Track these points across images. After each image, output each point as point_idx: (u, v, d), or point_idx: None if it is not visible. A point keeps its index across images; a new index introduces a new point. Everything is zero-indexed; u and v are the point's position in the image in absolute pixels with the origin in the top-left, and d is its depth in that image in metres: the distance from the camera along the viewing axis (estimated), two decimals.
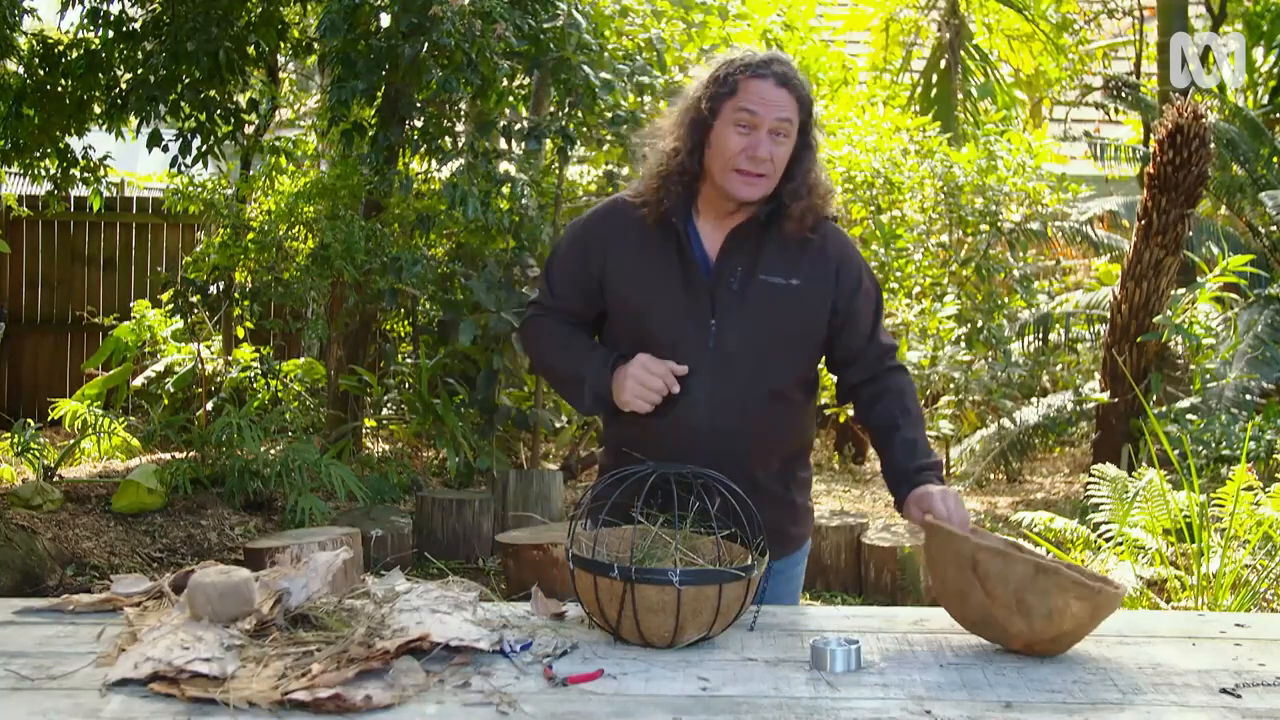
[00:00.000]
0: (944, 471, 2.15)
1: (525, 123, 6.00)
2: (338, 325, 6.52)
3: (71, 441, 6.94)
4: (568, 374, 2.21)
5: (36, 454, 6.07)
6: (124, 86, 6.50)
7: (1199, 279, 5.61)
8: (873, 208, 7.88)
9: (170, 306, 6.98)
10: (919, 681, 1.72)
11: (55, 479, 6.04)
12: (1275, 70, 9.70)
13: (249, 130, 7.20)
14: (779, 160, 2.08)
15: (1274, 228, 6.96)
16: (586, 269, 2.19)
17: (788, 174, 2.11)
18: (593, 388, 2.13)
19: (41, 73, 6.72)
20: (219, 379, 7.38)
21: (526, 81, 6.56)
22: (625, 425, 2.17)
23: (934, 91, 10.78)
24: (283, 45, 6.98)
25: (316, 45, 6.76)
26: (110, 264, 9.11)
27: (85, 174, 7.21)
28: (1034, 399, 6.85)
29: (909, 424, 2.15)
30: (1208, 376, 5.50)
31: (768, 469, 2.19)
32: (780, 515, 2.21)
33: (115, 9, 6.44)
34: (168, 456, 6.50)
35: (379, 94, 5.96)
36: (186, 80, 6.28)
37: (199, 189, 6.99)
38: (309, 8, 6.99)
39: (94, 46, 6.49)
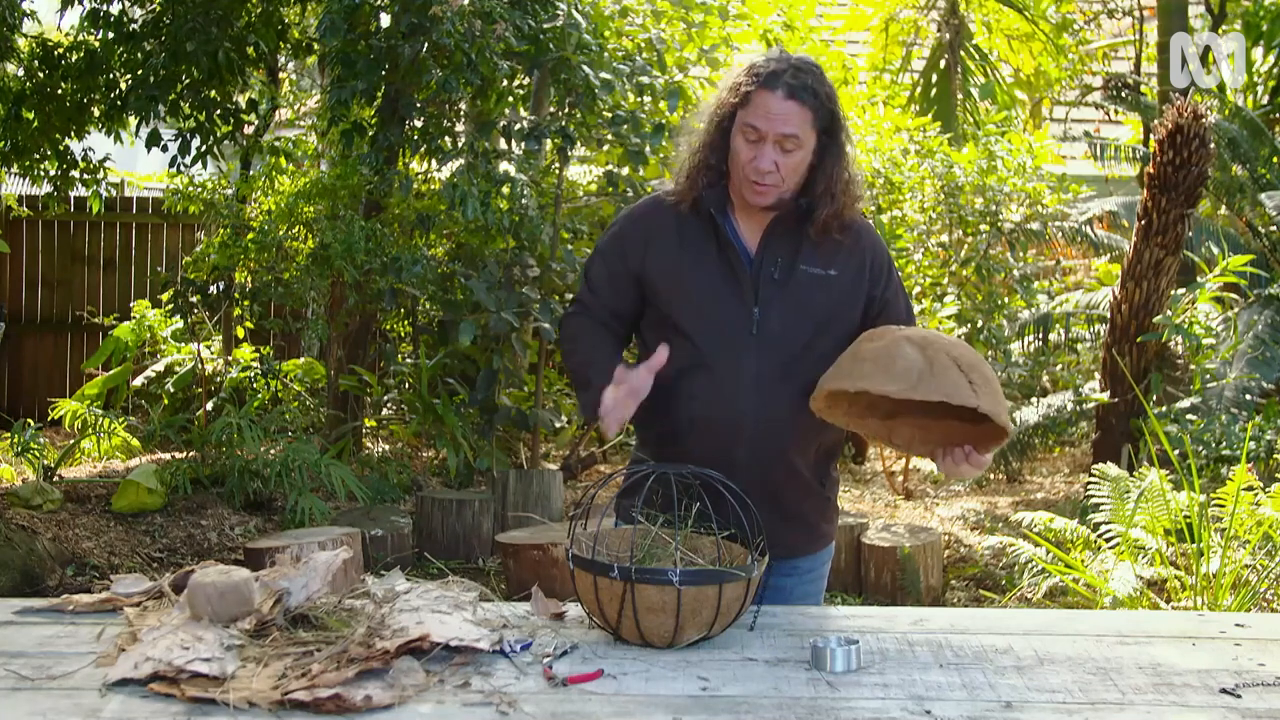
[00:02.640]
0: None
1: (525, 123, 6.00)
2: (338, 325, 6.52)
3: (71, 441, 6.94)
4: (579, 380, 2.27)
5: (36, 454, 6.07)
6: (123, 88, 6.50)
7: (1199, 279, 5.61)
8: (873, 208, 7.87)
9: (170, 306, 6.98)
10: (919, 681, 1.73)
11: (55, 479, 6.04)
12: (1275, 70, 9.70)
13: (249, 130, 7.20)
14: (788, 169, 2.13)
15: (1274, 228, 6.96)
16: (625, 266, 2.25)
17: (811, 179, 2.17)
18: (589, 399, 2.17)
19: (41, 75, 6.72)
20: (219, 379, 7.38)
21: (526, 81, 6.56)
22: (670, 411, 2.20)
23: (934, 91, 10.77)
24: (283, 45, 6.98)
25: (316, 45, 6.76)
26: (110, 264, 9.11)
27: (85, 176, 7.22)
28: (1034, 399, 6.84)
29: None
30: (1208, 376, 5.50)
31: (805, 458, 2.24)
32: (813, 508, 2.29)
33: (115, 9, 6.44)
34: (168, 456, 6.51)
35: (379, 94, 5.96)
36: (186, 80, 6.28)
37: (199, 189, 6.99)
38: (309, 8, 6.99)
39: (94, 48, 6.49)
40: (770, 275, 2.18)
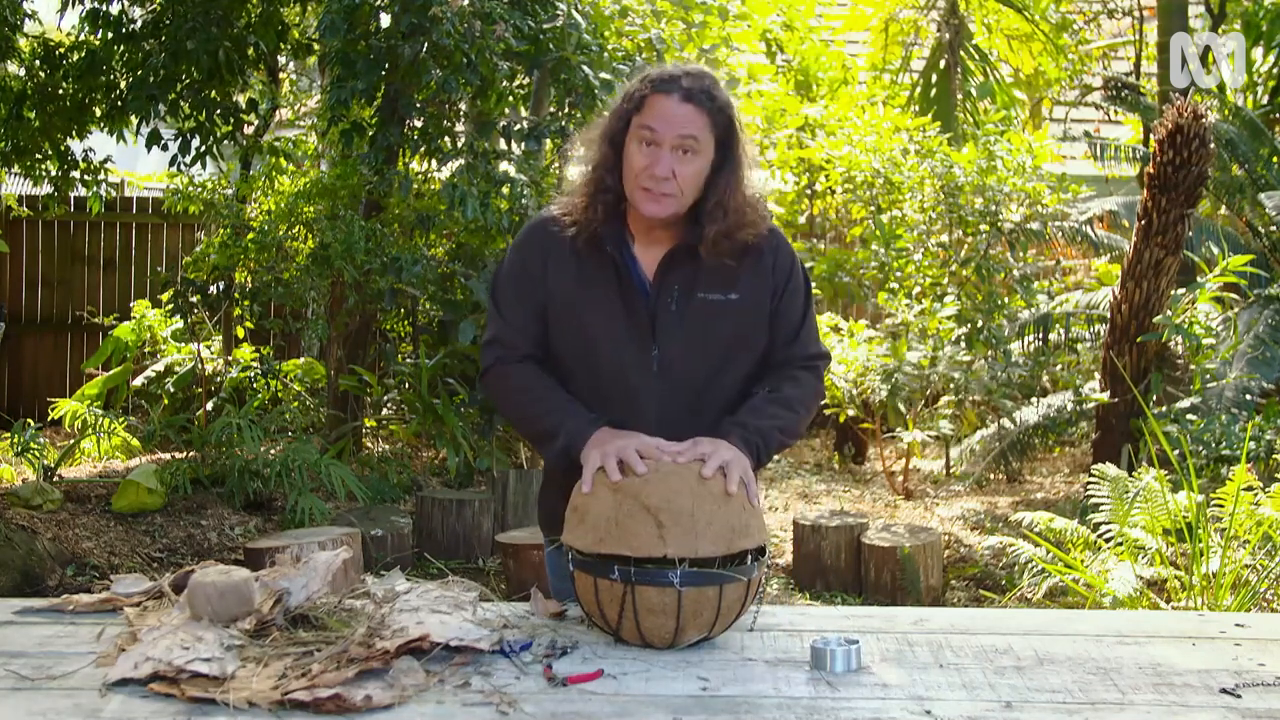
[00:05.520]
0: (760, 441, 1.99)
1: (525, 123, 6.00)
2: (338, 325, 6.52)
3: (71, 441, 6.94)
4: (544, 426, 2.09)
5: (36, 454, 6.07)
6: (124, 89, 6.50)
7: (1199, 279, 5.60)
8: (873, 208, 7.88)
9: (170, 306, 6.99)
10: (919, 681, 1.72)
11: (55, 479, 6.03)
12: (1275, 70, 9.70)
13: (249, 130, 7.20)
14: (685, 177, 2.02)
15: (1274, 228, 6.96)
16: (533, 287, 2.14)
17: (705, 194, 2.06)
18: (566, 440, 2.02)
19: (42, 75, 6.73)
20: (219, 379, 7.38)
21: (526, 81, 6.57)
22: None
23: (934, 91, 10.77)
24: (283, 45, 6.99)
25: (316, 45, 6.77)
26: (110, 264, 9.12)
27: (85, 177, 7.22)
28: (1034, 399, 6.85)
29: (775, 394, 2.10)
30: (1208, 376, 5.50)
31: None
32: None
33: (115, 9, 6.44)
34: (168, 456, 6.50)
35: (379, 94, 5.97)
36: (186, 80, 6.28)
37: (199, 189, 7.00)
38: (309, 8, 7.00)
39: (94, 48, 6.49)
40: (668, 307, 2.07)
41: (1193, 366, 5.73)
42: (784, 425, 2.09)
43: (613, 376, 2.08)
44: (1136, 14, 10.73)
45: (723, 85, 2.11)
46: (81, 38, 6.69)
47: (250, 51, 6.51)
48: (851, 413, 6.89)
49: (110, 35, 6.40)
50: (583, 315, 2.10)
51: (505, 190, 5.81)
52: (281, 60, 8.12)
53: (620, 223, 2.11)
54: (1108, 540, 4.26)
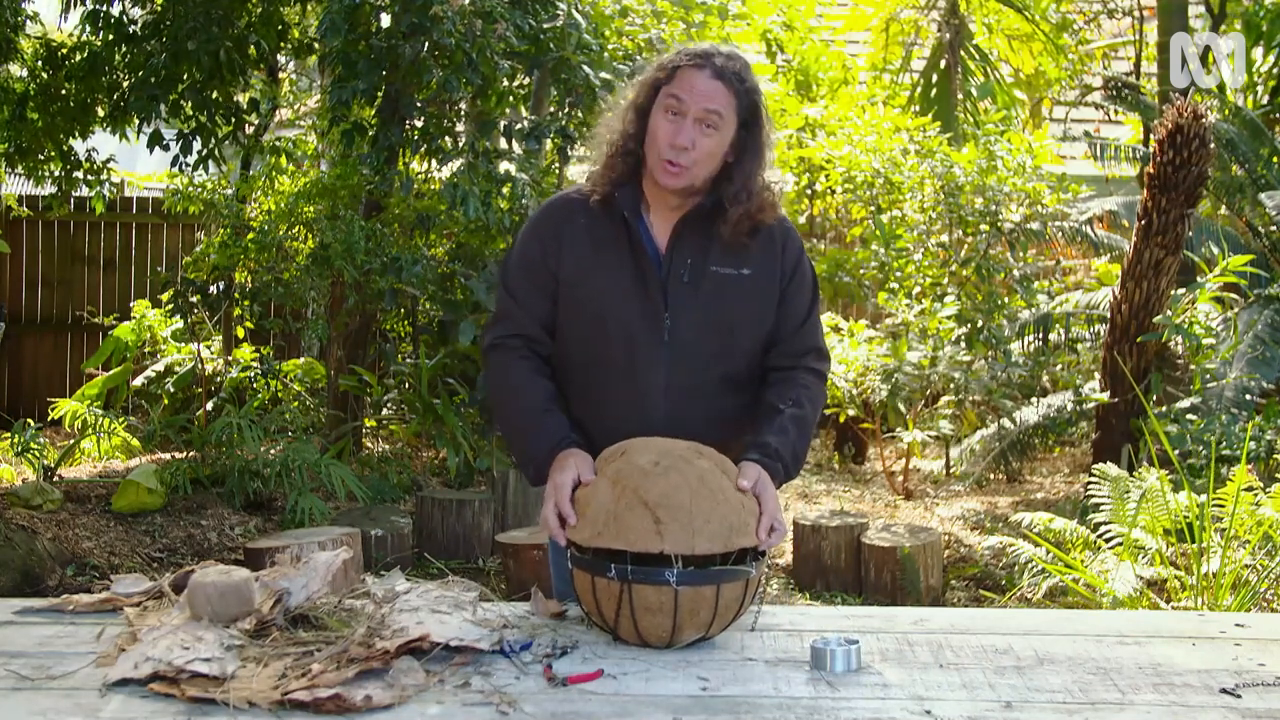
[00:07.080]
0: (786, 474, 2.06)
1: (525, 123, 6.00)
2: (338, 325, 6.52)
3: (71, 441, 6.94)
4: (519, 445, 2.16)
5: (36, 454, 6.07)
6: (126, 89, 6.51)
7: (1199, 279, 5.60)
8: (873, 208, 7.87)
9: (170, 306, 6.99)
10: (919, 681, 1.73)
11: (55, 479, 6.03)
12: (1275, 70, 9.69)
13: (249, 130, 7.21)
14: (704, 150, 2.07)
15: (1274, 228, 6.95)
16: (545, 264, 2.17)
17: (726, 175, 2.11)
18: (537, 469, 2.08)
19: (45, 76, 6.73)
20: (219, 379, 7.38)
21: (526, 81, 6.57)
22: (582, 416, 2.16)
23: (934, 91, 10.77)
24: (283, 45, 6.99)
25: (317, 45, 6.77)
26: (110, 264, 9.12)
27: (89, 177, 7.22)
28: (1034, 399, 6.84)
29: (789, 411, 2.13)
30: (1208, 376, 5.50)
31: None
32: None
33: (116, 10, 6.45)
34: (168, 456, 6.50)
35: (379, 94, 5.97)
36: (187, 80, 6.29)
37: (199, 189, 7.00)
38: (309, 8, 7.00)
39: (96, 49, 6.50)
40: (680, 278, 2.12)
41: (1193, 366, 5.73)
42: (805, 449, 2.14)
43: (622, 345, 2.12)
44: (1136, 14, 10.73)
45: (753, 72, 2.16)
46: (83, 39, 6.69)
47: (251, 51, 6.51)
48: (851, 413, 6.89)
49: (112, 36, 6.40)
50: (594, 282, 2.14)
51: (506, 190, 5.81)
52: (282, 60, 8.12)
53: (637, 187, 2.16)
54: (1108, 540, 4.26)
